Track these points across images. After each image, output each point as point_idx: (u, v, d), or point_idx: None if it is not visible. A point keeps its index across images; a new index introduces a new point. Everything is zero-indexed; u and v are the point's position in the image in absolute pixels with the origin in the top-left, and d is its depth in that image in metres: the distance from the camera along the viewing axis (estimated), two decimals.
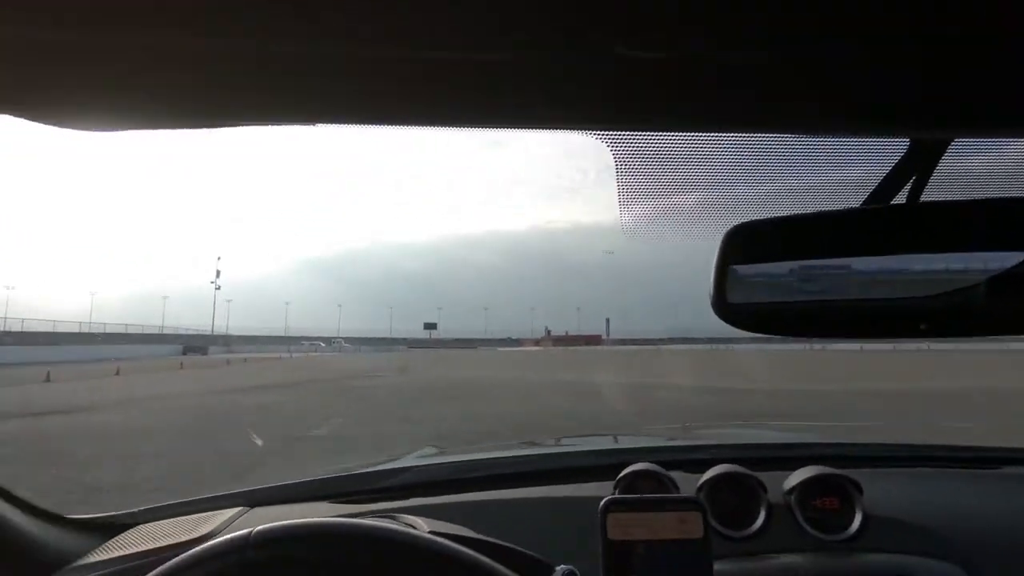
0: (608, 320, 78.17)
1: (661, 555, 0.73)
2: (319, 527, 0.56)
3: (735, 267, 0.52)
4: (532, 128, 0.45)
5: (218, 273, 62.87)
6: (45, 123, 0.39)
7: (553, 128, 0.44)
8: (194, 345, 46.46)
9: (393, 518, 0.71)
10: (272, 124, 0.41)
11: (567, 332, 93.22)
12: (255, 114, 0.41)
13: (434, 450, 1.55)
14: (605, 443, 1.69)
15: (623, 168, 0.49)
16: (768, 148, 0.51)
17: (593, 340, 79.12)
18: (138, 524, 0.90)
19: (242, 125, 0.41)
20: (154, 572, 0.52)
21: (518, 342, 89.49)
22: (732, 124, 0.45)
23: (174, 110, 0.40)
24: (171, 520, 0.91)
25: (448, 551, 0.56)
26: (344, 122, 0.42)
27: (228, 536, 0.53)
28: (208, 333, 65.25)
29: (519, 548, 0.62)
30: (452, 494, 1.03)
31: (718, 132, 0.47)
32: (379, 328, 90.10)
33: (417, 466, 1.26)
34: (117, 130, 0.40)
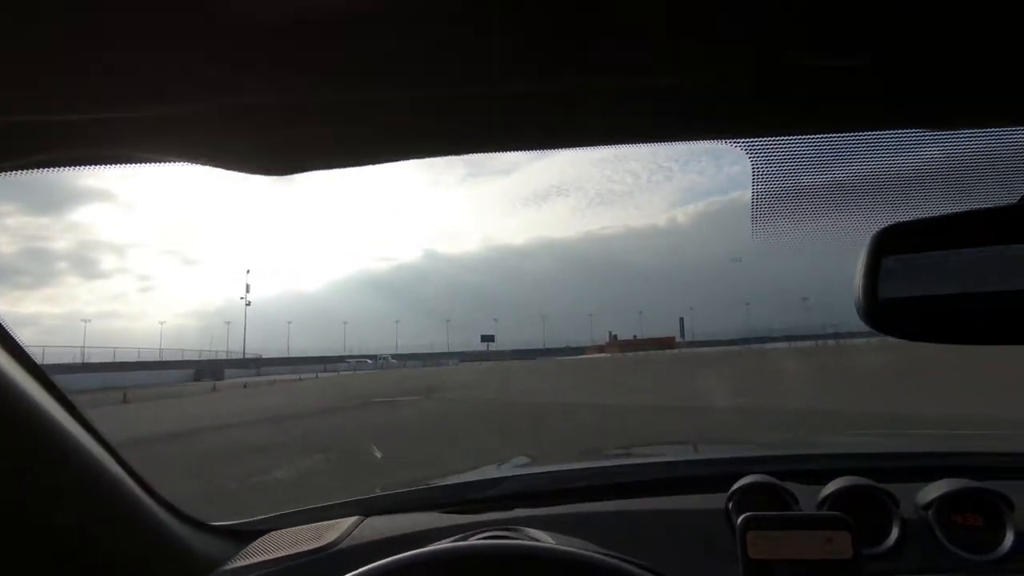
0: (682, 320, 68.30)
1: (807, 574, 0.71)
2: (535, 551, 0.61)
3: (888, 269, 0.50)
4: (674, 141, 0.46)
5: (248, 288, 59.16)
6: (234, 170, 0.46)
7: (692, 140, 0.46)
8: (207, 369, 40.84)
9: (516, 531, 0.74)
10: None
11: (635, 336, 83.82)
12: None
13: (527, 459, 1.62)
14: (713, 452, 1.63)
15: (761, 176, 0.50)
16: (911, 145, 0.51)
17: (666, 343, 70.25)
18: (267, 531, 0.99)
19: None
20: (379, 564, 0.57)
21: (580, 350, 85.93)
22: (878, 122, 0.46)
23: (342, 149, 0.46)
24: (299, 528, 1.00)
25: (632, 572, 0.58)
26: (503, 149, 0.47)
27: (459, 544, 0.60)
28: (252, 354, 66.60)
29: (640, 563, 0.62)
30: (558, 505, 1.05)
31: (859, 132, 0.48)
32: (437, 342, 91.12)
33: (524, 475, 1.27)
34: (299, 172, 0.47)
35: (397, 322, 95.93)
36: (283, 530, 1.01)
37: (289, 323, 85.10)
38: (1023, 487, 0.96)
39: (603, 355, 63.44)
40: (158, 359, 52.76)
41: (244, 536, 0.98)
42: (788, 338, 63.39)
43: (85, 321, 65.64)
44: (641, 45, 0.35)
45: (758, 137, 0.46)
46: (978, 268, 0.49)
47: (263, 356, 67.24)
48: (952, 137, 0.48)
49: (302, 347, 79.07)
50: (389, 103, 0.39)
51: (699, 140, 0.45)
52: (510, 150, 0.46)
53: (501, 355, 77.39)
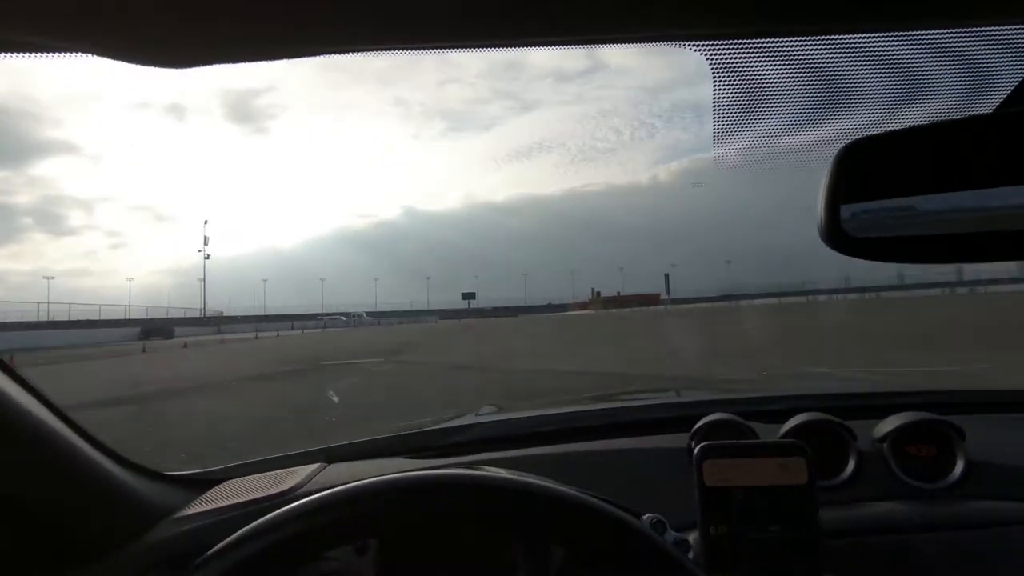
0: (667, 276, 66.33)
1: (763, 502, 0.73)
2: (452, 477, 0.62)
3: (852, 189, 0.49)
4: (622, 40, 0.43)
5: (206, 240, 54.96)
6: (133, 62, 0.40)
7: (645, 40, 0.42)
8: (156, 328, 37.77)
9: (476, 470, 0.73)
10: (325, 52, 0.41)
11: (618, 292, 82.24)
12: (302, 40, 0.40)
13: (494, 408, 1.57)
14: (680, 396, 1.69)
15: (721, 85, 0.47)
16: (883, 50, 0.48)
17: (650, 300, 69.23)
18: (227, 479, 0.99)
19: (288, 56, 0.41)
20: (290, 507, 0.58)
21: (563, 307, 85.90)
22: (848, 20, 0.42)
23: (243, 38, 0.40)
24: (257, 475, 1.00)
25: (574, 497, 0.60)
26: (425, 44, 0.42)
27: (371, 481, 0.60)
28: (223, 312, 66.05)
29: (604, 497, 0.64)
30: (525, 448, 1.07)
31: (826, 33, 0.44)
32: (418, 300, 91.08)
33: (489, 421, 1.29)
34: (199, 65, 0.41)
35: (376, 280, 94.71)
36: (241, 478, 1.01)
37: (265, 280, 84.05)
38: (976, 420, 1.02)
39: (584, 312, 61.34)
40: (123, 316, 51.15)
41: (200, 485, 0.97)
42: (774, 294, 64.48)
43: (48, 278, 66.33)
44: None
45: (719, 40, 0.43)
46: (948, 186, 0.47)
47: (225, 313, 65.66)
48: (924, 39, 0.45)
49: (280, 305, 78.22)
50: None
51: (658, 41, 0.42)
52: (450, 46, 0.42)
53: (482, 312, 77.21)
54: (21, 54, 0.39)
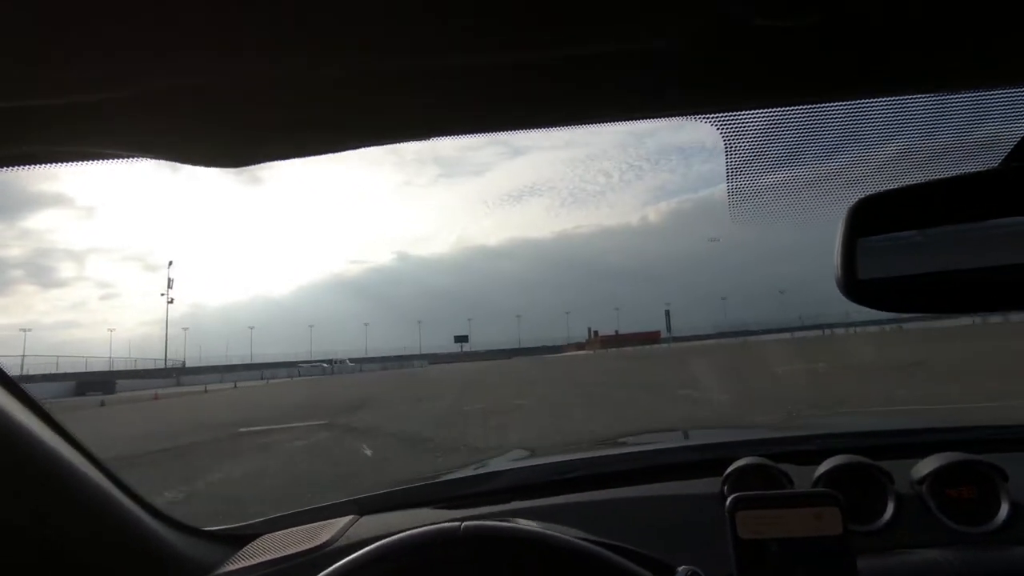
0: (668, 312, 63.44)
1: (799, 552, 0.73)
2: (519, 532, 0.63)
3: (866, 243, 0.51)
4: (639, 118, 0.46)
5: (170, 283, 50.45)
6: (190, 163, 0.43)
7: (659, 117, 0.45)
8: (93, 382, 33.88)
9: (508, 523, 0.74)
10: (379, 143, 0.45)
11: (616, 331, 78.34)
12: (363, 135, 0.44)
13: (525, 452, 1.63)
14: (707, 437, 1.68)
15: (733, 150, 0.50)
16: (888, 112, 0.51)
17: (651, 338, 64.88)
18: (262, 534, 1.00)
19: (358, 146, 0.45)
20: (364, 551, 0.60)
21: (558, 348, 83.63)
22: (848, 90, 0.45)
23: (295, 139, 0.43)
24: (291, 530, 1.01)
25: (611, 560, 0.60)
26: (453, 133, 0.45)
27: (436, 528, 0.61)
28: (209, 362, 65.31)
29: (637, 549, 0.65)
30: (554, 496, 1.05)
31: (832, 101, 0.47)
32: (411, 345, 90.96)
33: (517, 468, 1.31)
34: (246, 165, 0.45)
35: (367, 324, 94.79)
36: (277, 532, 1.01)
37: (252, 328, 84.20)
38: (1017, 459, 0.99)
39: (581, 353, 57.60)
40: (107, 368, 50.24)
41: (238, 540, 0.98)
42: (776, 330, 63.56)
43: (25, 330, 66.52)
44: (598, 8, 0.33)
45: (728, 111, 0.45)
46: (957, 239, 0.50)
47: (191, 363, 64.38)
48: (928, 102, 0.48)
49: (272, 352, 78.82)
50: (345, 80, 0.37)
51: (670, 116, 0.45)
52: (473, 132, 0.45)
53: (474, 356, 75.91)
54: (90, 162, 0.43)
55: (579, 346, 79.98)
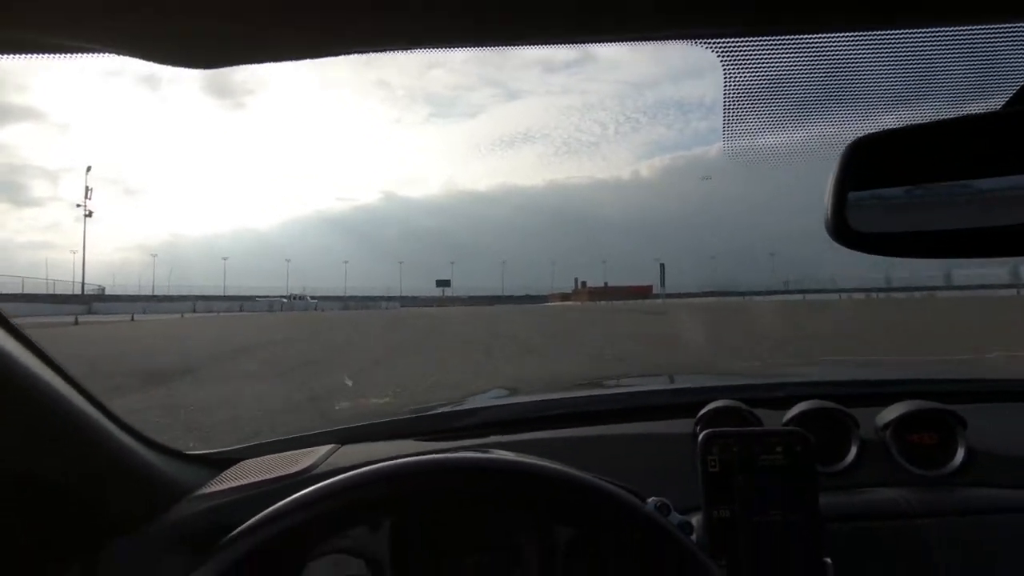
0: (663, 266, 58.31)
1: (765, 487, 0.78)
2: (458, 461, 0.65)
3: (859, 185, 0.51)
4: (632, 39, 0.44)
5: (88, 192, 42.79)
6: (157, 62, 0.41)
7: (655, 39, 0.44)
8: None
9: (487, 453, 0.77)
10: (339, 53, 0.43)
11: (606, 283, 72.86)
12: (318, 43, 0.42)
13: (505, 391, 1.68)
14: (684, 381, 1.76)
15: (732, 82, 0.49)
16: (890, 46, 0.49)
17: (643, 292, 60.89)
18: (243, 459, 1.03)
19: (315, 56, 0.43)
20: (311, 489, 0.61)
21: (543, 298, 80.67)
22: (852, 19, 0.44)
23: (270, 39, 0.41)
24: (272, 456, 1.04)
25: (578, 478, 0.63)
26: (440, 44, 0.43)
27: (384, 465, 0.63)
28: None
29: (609, 479, 0.67)
30: (532, 431, 1.10)
31: (836, 31, 0.46)
32: (393, 287, 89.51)
33: (497, 405, 1.37)
34: (218, 67, 0.43)
35: (346, 262, 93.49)
36: (257, 458, 1.04)
37: (225, 259, 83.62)
38: (978, 409, 1.06)
39: (568, 305, 52.24)
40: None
41: (218, 464, 1.00)
42: (768, 292, 63.47)
43: None
44: None
45: (730, 36, 0.44)
46: (952, 182, 0.50)
47: (155, 293, 55.03)
48: (933, 35, 0.47)
49: (247, 284, 78.32)
50: None
51: (671, 37, 0.43)
52: (459, 45, 0.43)
53: (455, 301, 73.72)
54: (48, 54, 0.41)
55: (564, 296, 76.05)
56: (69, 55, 0.40)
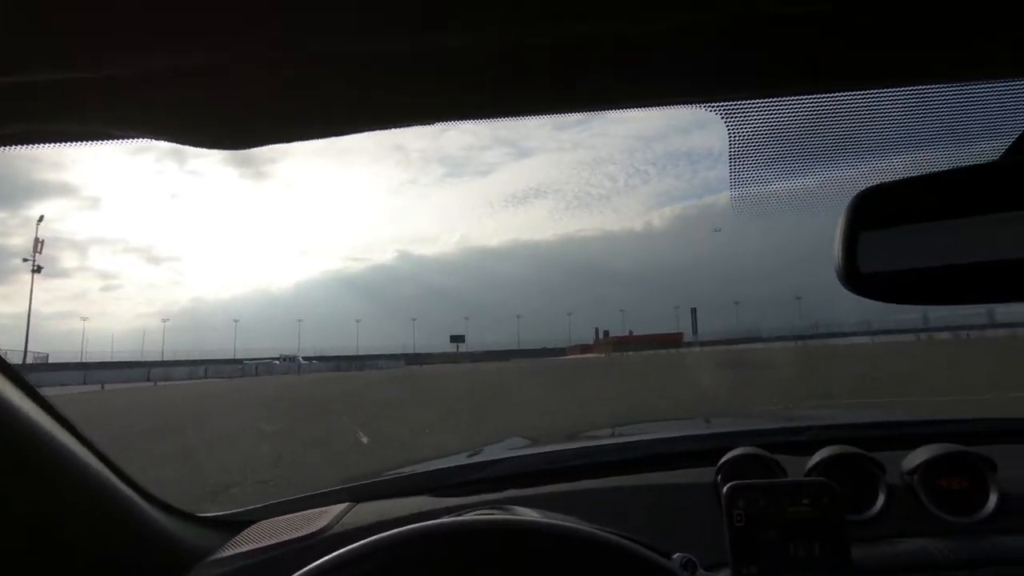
0: (695, 312, 52.41)
1: (794, 541, 0.75)
2: (486, 524, 0.64)
3: (868, 234, 0.53)
4: (644, 106, 0.46)
5: (38, 245, 38.30)
6: (186, 144, 0.44)
7: (664, 104, 0.46)
8: None
9: (506, 510, 0.77)
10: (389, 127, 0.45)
11: (630, 331, 66.32)
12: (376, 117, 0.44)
13: (522, 441, 1.60)
14: (702, 427, 1.70)
15: (737, 141, 0.51)
16: (892, 103, 0.52)
17: (672, 340, 53.86)
18: (258, 520, 1.02)
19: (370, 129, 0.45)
20: (327, 559, 0.59)
21: (560, 351, 75.79)
22: (853, 80, 0.46)
23: (309, 117, 0.43)
24: (287, 516, 1.03)
25: (601, 538, 0.62)
26: (467, 117, 0.45)
27: (414, 527, 0.62)
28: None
29: (633, 536, 0.66)
30: (550, 484, 1.07)
31: (837, 91, 0.49)
32: (406, 343, 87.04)
33: (514, 457, 1.33)
34: (250, 147, 0.45)
35: (358, 321, 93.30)
36: (272, 519, 1.03)
37: (236, 321, 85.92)
38: (1006, 451, 1.03)
39: (590, 357, 45.66)
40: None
41: (232, 526, 0.99)
42: (797, 337, 57.82)
43: None
44: None
45: (733, 100, 0.46)
46: (959, 231, 0.52)
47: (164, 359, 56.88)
48: (932, 92, 0.50)
49: (260, 347, 77.74)
50: (344, 62, 0.36)
51: (675, 103, 0.45)
52: (474, 118, 0.45)
53: (469, 356, 70.19)
54: (87, 142, 0.43)
55: (584, 348, 69.56)
56: (104, 141, 0.43)
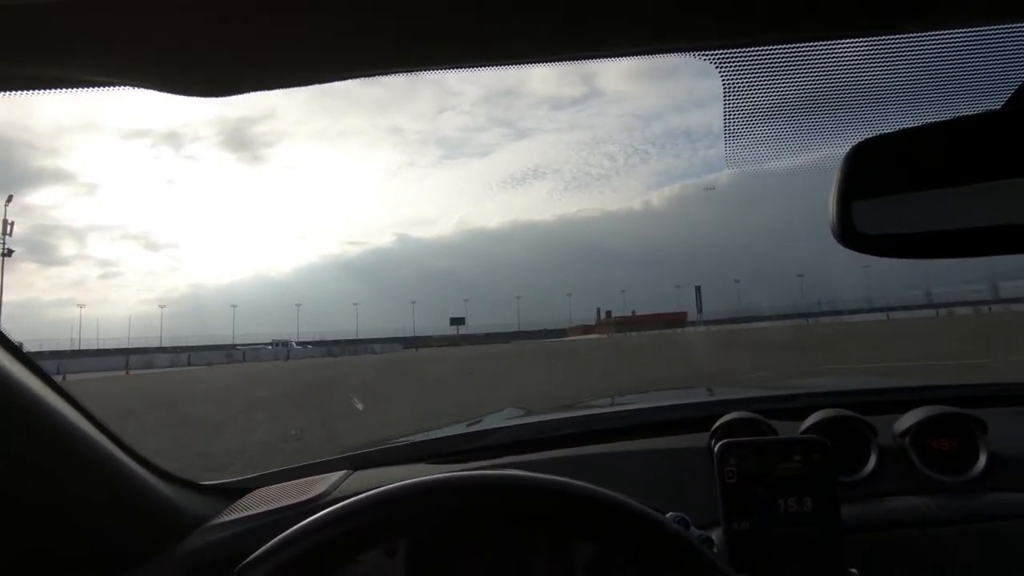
0: (699, 290, 50.70)
1: (785, 498, 0.76)
2: (463, 479, 0.64)
3: (863, 187, 0.52)
4: (634, 53, 0.45)
5: (7, 227, 35.69)
6: (175, 93, 0.42)
7: (655, 52, 0.45)
8: None
9: (501, 471, 0.77)
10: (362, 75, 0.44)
11: (633, 312, 64.73)
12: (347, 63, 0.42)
13: (519, 411, 1.57)
14: (698, 395, 1.77)
15: (732, 91, 0.50)
16: (889, 50, 0.50)
17: (676, 319, 52.25)
18: (255, 488, 1.04)
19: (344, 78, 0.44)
20: (323, 513, 0.60)
21: (561, 332, 74.96)
22: (849, 25, 0.44)
23: (295, 59, 0.42)
24: (286, 484, 1.05)
25: (599, 494, 0.62)
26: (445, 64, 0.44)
27: (398, 485, 0.61)
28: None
29: (627, 497, 0.67)
30: (545, 451, 1.09)
31: (833, 38, 0.47)
32: (406, 326, 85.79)
33: (510, 425, 1.33)
34: (237, 93, 0.43)
35: (355, 304, 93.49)
36: (271, 486, 1.04)
37: (234, 307, 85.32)
38: (997, 413, 1.05)
39: (593, 338, 44.16)
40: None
41: (231, 494, 1.01)
42: (799, 315, 56.68)
43: None
44: None
45: (727, 48, 0.45)
46: (956, 182, 0.50)
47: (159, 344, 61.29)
48: (932, 39, 0.48)
49: (259, 332, 76.61)
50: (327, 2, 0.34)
51: (668, 51, 0.44)
52: (459, 65, 0.44)
53: (469, 339, 69.35)
54: (71, 88, 0.42)
55: (586, 329, 68.47)
56: (82, 88, 0.41)
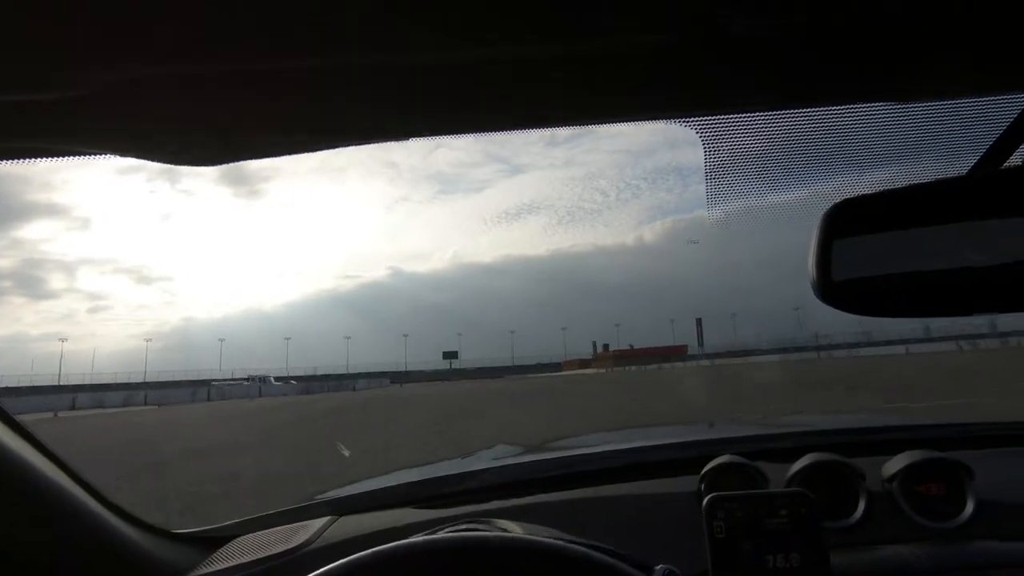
0: (700, 322, 49.24)
1: (773, 550, 0.77)
2: (462, 541, 0.64)
3: (840, 246, 0.54)
4: (621, 121, 0.47)
5: None
6: (164, 162, 0.43)
7: (641, 120, 0.47)
8: None
9: (487, 523, 0.78)
10: (366, 143, 0.45)
11: (631, 345, 62.34)
12: (367, 131, 0.44)
13: (511, 448, 1.75)
14: (689, 433, 1.78)
15: (713, 155, 0.53)
16: (861, 119, 0.55)
17: (675, 352, 51.18)
18: (237, 536, 1.00)
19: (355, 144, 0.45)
20: (336, 564, 0.60)
21: (556, 366, 72.89)
22: (828, 96, 0.48)
23: (272, 137, 0.43)
24: (267, 531, 1.01)
25: (584, 556, 0.62)
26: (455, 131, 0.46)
27: (406, 542, 0.62)
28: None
29: (616, 549, 0.67)
30: (533, 495, 1.09)
31: (811, 107, 0.51)
32: (399, 360, 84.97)
33: (496, 467, 1.32)
34: (228, 162, 0.44)
35: (348, 338, 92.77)
36: (252, 534, 1.00)
37: (221, 341, 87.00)
38: (983, 456, 1.07)
39: (590, 372, 41.55)
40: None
41: (211, 543, 0.98)
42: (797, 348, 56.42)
43: None
44: (591, 7, 0.34)
45: (707, 115, 0.47)
46: (929, 243, 0.53)
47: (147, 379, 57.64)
48: (901, 111, 0.52)
49: (249, 367, 76.23)
50: (324, 76, 0.36)
51: (652, 120, 0.47)
52: (455, 133, 0.46)
53: (461, 373, 67.95)
54: (60, 158, 0.43)
55: (583, 363, 65.52)
56: (81, 156, 0.42)
